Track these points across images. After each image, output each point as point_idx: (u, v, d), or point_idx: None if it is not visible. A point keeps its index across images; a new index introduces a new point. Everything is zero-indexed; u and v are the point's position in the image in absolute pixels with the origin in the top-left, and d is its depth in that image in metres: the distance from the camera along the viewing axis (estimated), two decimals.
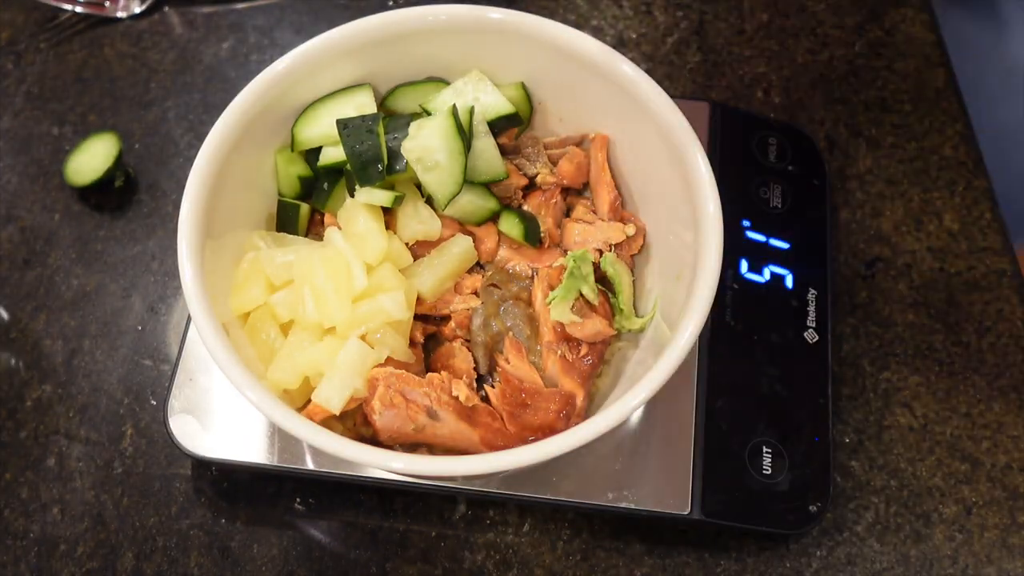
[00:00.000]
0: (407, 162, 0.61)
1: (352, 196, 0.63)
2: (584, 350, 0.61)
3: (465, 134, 0.61)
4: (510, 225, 0.65)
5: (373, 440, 0.59)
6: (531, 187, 0.69)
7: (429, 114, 0.64)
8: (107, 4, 0.92)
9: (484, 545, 0.67)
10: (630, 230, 0.65)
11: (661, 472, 0.65)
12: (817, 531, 0.67)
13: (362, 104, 0.64)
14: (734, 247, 0.73)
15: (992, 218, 0.79)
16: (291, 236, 0.65)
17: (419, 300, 0.62)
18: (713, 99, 0.84)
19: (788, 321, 0.71)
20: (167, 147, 0.84)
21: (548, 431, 0.58)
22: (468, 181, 0.63)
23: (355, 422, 0.60)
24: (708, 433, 0.66)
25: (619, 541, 0.67)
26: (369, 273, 0.60)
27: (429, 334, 0.64)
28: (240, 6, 0.93)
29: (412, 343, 0.62)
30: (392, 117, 0.65)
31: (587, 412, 0.61)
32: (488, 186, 0.65)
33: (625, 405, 0.51)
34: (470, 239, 0.64)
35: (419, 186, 0.64)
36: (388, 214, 0.64)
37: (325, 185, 0.65)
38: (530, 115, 0.69)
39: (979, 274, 0.77)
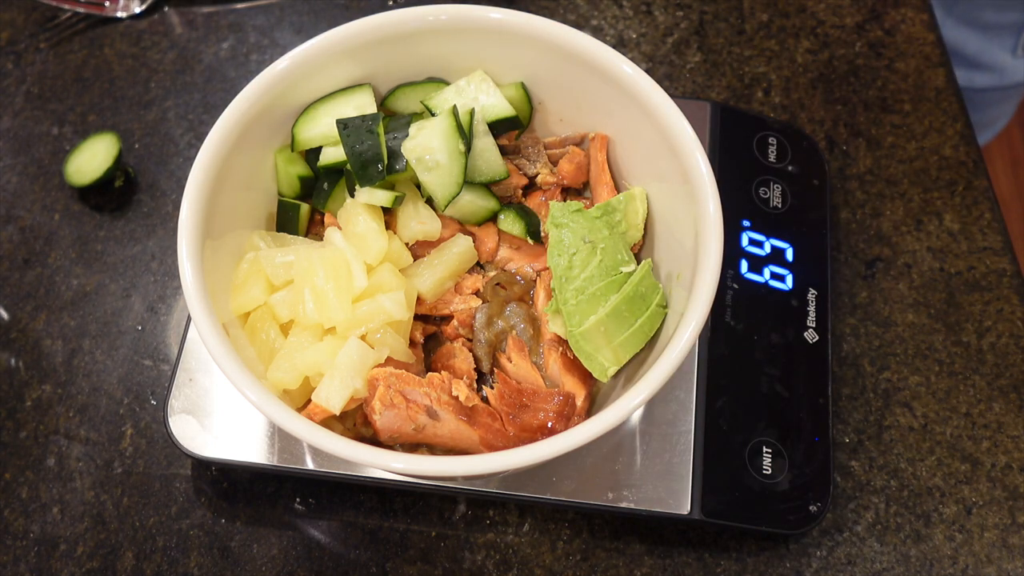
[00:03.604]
0: (407, 162, 0.61)
1: (352, 196, 0.63)
2: None
3: (465, 134, 0.61)
4: (511, 222, 0.65)
5: (373, 440, 0.59)
6: (531, 187, 0.69)
7: (431, 112, 0.64)
8: (107, 4, 0.92)
9: (484, 545, 0.67)
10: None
11: (661, 472, 0.65)
12: (817, 531, 0.67)
13: (362, 104, 0.64)
14: (734, 247, 0.73)
15: (992, 218, 0.79)
16: (291, 236, 0.65)
17: (419, 300, 0.62)
18: (713, 99, 0.85)
19: (788, 321, 0.71)
20: (167, 147, 0.85)
21: (547, 432, 0.58)
22: (468, 181, 0.63)
23: (355, 422, 0.60)
24: (708, 433, 0.66)
25: (619, 541, 0.67)
26: (369, 273, 0.60)
27: (429, 334, 0.64)
28: (240, 6, 0.93)
29: (412, 343, 0.62)
30: (392, 117, 0.65)
31: (588, 412, 0.61)
32: (488, 186, 0.65)
33: (625, 405, 0.51)
34: (470, 239, 0.64)
35: (419, 186, 0.64)
36: (388, 214, 0.64)
37: (325, 185, 0.65)
38: (530, 115, 0.69)
39: (979, 274, 0.77)
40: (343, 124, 0.61)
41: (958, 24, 1.16)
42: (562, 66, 0.64)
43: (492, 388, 0.59)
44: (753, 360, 0.70)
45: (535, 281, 0.65)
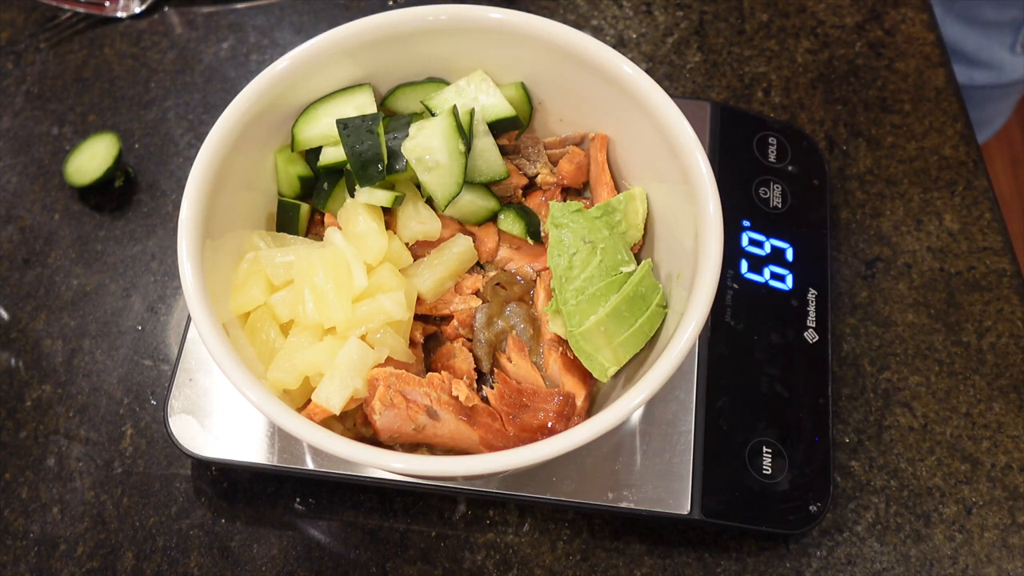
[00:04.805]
0: (407, 162, 0.61)
1: (352, 196, 0.63)
2: None
3: (465, 134, 0.61)
4: (511, 222, 0.65)
5: (373, 440, 0.59)
6: (531, 187, 0.69)
7: (431, 112, 0.64)
8: (107, 4, 0.92)
9: (484, 545, 0.67)
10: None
11: (661, 472, 0.65)
12: (817, 531, 0.67)
13: (362, 104, 0.64)
14: (734, 247, 0.73)
15: (992, 218, 0.79)
16: (291, 236, 0.65)
17: (419, 300, 0.62)
18: (713, 99, 0.85)
19: (788, 321, 0.71)
20: (167, 147, 0.85)
21: (547, 432, 0.58)
22: (468, 181, 0.63)
23: (355, 422, 0.60)
24: (708, 433, 0.66)
25: (619, 541, 0.67)
26: (369, 273, 0.60)
27: (429, 334, 0.64)
28: (240, 6, 0.93)
29: (412, 343, 0.62)
30: (392, 117, 0.65)
31: (588, 412, 0.61)
32: (488, 186, 0.65)
33: (625, 405, 0.51)
34: (470, 239, 0.64)
35: (419, 186, 0.64)
36: (388, 214, 0.64)
37: (325, 185, 0.65)
38: (530, 115, 0.69)
39: (979, 274, 0.77)
40: (343, 124, 0.61)
41: (957, 21, 1.16)
42: (562, 66, 0.64)
43: (492, 388, 0.59)
44: (753, 360, 0.70)
45: (535, 281, 0.65)
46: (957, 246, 0.78)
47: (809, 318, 0.72)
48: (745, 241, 0.74)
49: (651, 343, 0.60)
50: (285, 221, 0.66)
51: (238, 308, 0.60)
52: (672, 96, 0.60)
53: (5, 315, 0.77)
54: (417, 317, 0.63)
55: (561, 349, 0.61)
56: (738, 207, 0.75)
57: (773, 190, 0.77)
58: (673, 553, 0.66)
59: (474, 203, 0.64)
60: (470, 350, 0.62)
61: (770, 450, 0.66)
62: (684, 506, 0.64)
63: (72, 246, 0.80)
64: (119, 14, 0.92)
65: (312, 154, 0.66)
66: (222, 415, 0.67)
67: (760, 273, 0.73)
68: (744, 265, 0.73)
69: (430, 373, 0.59)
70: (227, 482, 0.69)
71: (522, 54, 0.64)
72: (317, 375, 0.58)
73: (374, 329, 0.58)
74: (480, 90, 0.65)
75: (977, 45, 1.18)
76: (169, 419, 0.66)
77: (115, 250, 0.79)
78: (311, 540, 0.67)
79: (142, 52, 0.90)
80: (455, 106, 0.62)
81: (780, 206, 0.77)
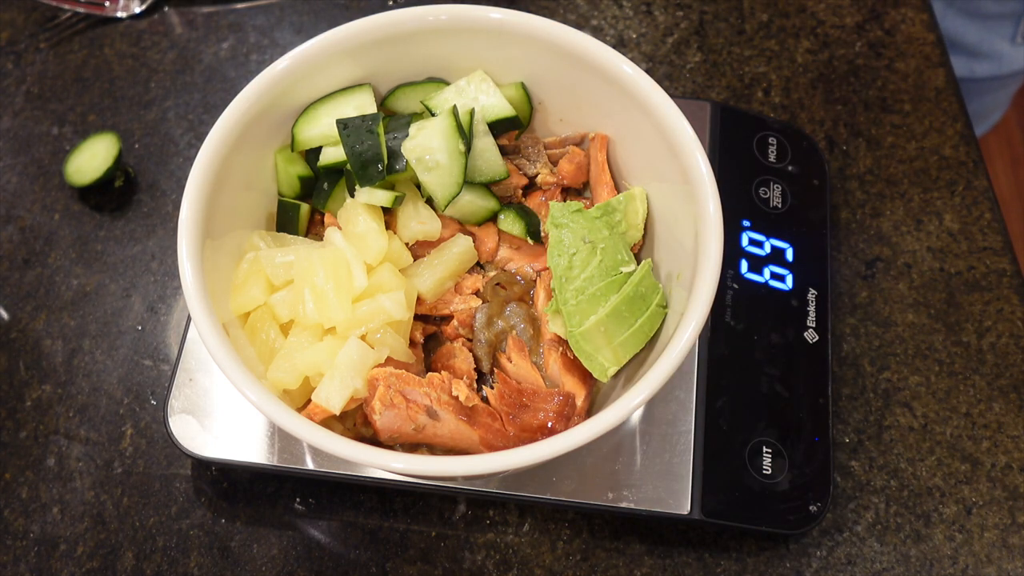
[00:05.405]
0: (407, 162, 0.61)
1: (352, 196, 0.63)
2: None
3: (465, 134, 0.61)
4: (511, 222, 0.65)
5: (373, 440, 0.59)
6: (531, 187, 0.69)
7: (431, 112, 0.64)
8: (107, 4, 0.92)
9: (484, 545, 0.67)
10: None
11: (661, 472, 0.65)
12: (817, 531, 0.67)
13: (362, 104, 0.64)
14: (734, 247, 0.73)
15: (992, 218, 0.79)
16: (291, 236, 0.65)
17: (419, 300, 0.62)
18: (713, 99, 0.85)
19: (788, 321, 0.71)
20: (167, 147, 0.85)
21: (547, 432, 0.58)
22: (468, 181, 0.63)
23: (355, 422, 0.60)
24: (708, 433, 0.66)
25: (619, 541, 0.67)
26: (369, 273, 0.60)
27: (429, 334, 0.64)
28: (240, 6, 0.93)
29: (412, 343, 0.62)
30: (392, 117, 0.65)
31: (588, 412, 0.61)
32: (488, 186, 0.65)
33: (625, 405, 0.51)
34: (470, 239, 0.64)
35: (419, 186, 0.64)
36: (388, 214, 0.64)
37: (325, 185, 0.65)
38: (530, 115, 0.69)
39: (979, 274, 0.77)
40: (343, 124, 0.61)
41: (958, 15, 1.17)
42: (562, 66, 0.64)
43: (492, 388, 0.59)
44: (753, 360, 0.70)
45: (535, 281, 0.65)
46: (957, 246, 0.78)
47: (809, 318, 0.72)
48: (745, 241, 0.74)
49: (651, 343, 0.60)
50: (285, 221, 0.66)
51: (238, 308, 0.60)
52: (672, 96, 0.60)
53: (5, 315, 0.77)
54: (417, 317, 0.63)
55: (561, 349, 0.61)
56: (738, 207, 0.75)
57: (773, 190, 0.77)
58: (673, 553, 0.66)
59: (474, 203, 0.64)
60: (470, 350, 0.62)
61: (770, 450, 0.66)
62: (684, 506, 0.64)
63: (72, 246, 0.80)
64: (119, 14, 0.92)
65: (312, 154, 0.66)
66: (222, 415, 0.67)
67: (760, 273, 0.73)
68: (744, 265, 0.73)
69: (430, 373, 0.59)
70: (227, 482, 0.69)
71: (522, 54, 0.64)
72: (317, 375, 0.58)
73: (374, 329, 0.58)
74: (480, 90, 0.65)
75: (978, 38, 1.19)
76: (169, 419, 0.66)
77: (115, 250, 0.79)
78: (311, 540, 0.67)
79: (142, 52, 0.90)
80: (455, 106, 0.62)
81: (780, 206, 0.77)
